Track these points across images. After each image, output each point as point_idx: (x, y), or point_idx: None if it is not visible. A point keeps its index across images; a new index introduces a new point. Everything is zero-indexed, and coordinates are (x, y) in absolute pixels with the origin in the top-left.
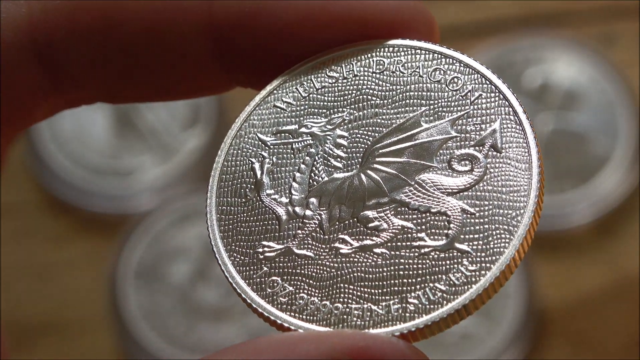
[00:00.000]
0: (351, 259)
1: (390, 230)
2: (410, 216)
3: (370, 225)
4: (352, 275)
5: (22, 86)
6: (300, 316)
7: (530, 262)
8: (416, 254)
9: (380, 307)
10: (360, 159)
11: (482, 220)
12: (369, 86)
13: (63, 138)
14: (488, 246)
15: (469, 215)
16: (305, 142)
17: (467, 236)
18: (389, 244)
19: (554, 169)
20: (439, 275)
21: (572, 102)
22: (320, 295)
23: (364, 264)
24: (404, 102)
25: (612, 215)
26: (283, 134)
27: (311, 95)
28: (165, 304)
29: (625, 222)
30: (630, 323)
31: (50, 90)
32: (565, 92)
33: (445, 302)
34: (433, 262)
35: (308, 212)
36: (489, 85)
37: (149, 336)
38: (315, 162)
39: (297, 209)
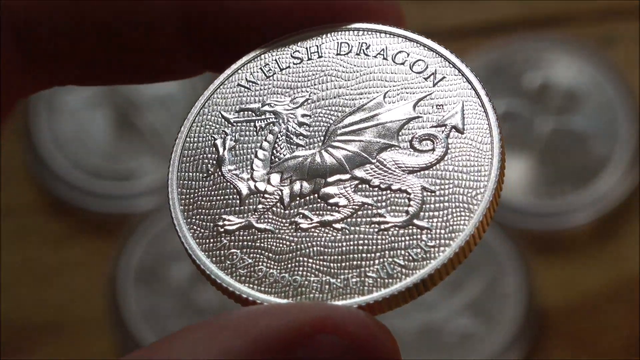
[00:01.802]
0: (311, 234)
1: (350, 206)
2: (371, 193)
3: (331, 201)
4: (311, 249)
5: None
6: (259, 288)
7: (529, 262)
8: (376, 230)
9: (338, 280)
10: (322, 137)
11: (442, 199)
12: (332, 67)
13: (63, 139)
14: (448, 223)
15: (429, 193)
16: (268, 120)
17: (427, 213)
18: (349, 220)
19: (554, 170)
20: (398, 251)
21: (572, 102)
22: (279, 267)
23: (323, 239)
24: (367, 83)
25: (612, 216)
26: (246, 112)
27: (275, 75)
28: (166, 305)
29: (626, 223)
30: (630, 323)
31: (24, 68)
32: (565, 93)
33: (403, 276)
34: (392, 238)
35: (269, 188)
36: (452, 69)
37: (149, 337)
38: (277, 140)
39: (258, 184)
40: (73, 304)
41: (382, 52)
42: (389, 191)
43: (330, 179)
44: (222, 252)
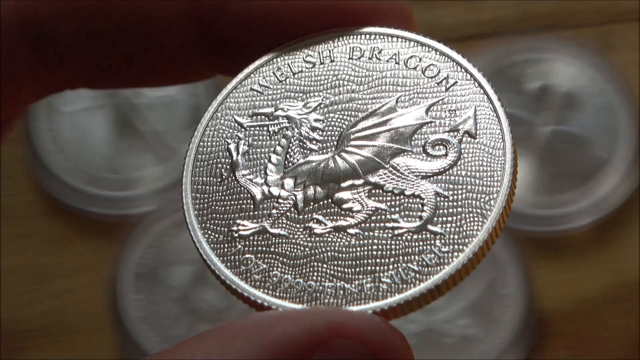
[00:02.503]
0: (325, 239)
1: (364, 212)
2: (385, 198)
3: (345, 206)
4: (325, 254)
5: (11, 64)
6: (274, 293)
7: (529, 263)
8: (390, 235)
9: (353, 285)
10: (335, 142)
11: (455, 204)
12: (345, 72)
13: (63, 140)
14: (461, 229)
15: (442, 199)
16: (281, 125)
17: (440, 219)
18: (363, 225)
19: (554, 170)
20: (412, 256)
21: (571, 103)
22: (293, 273)
23: (337, 244)
24: (379, 87)
25: (612, 217)
26: (259, 117)
27: (288, 79)
28: (166, 306)
29: (625, 223)
30: (630, 324)
31: (37, 71)
32: (565, 93)
33: (417, 282)
34: (406, 243)
35: (283, 193)
36: (465, 74)
37: (149, 338)
38: (291, 145)
39: (272, 189)
40: (73, 306)
41: (394, 57)
42: (402, 196)
43: (343, 184)
44: (237, 257)
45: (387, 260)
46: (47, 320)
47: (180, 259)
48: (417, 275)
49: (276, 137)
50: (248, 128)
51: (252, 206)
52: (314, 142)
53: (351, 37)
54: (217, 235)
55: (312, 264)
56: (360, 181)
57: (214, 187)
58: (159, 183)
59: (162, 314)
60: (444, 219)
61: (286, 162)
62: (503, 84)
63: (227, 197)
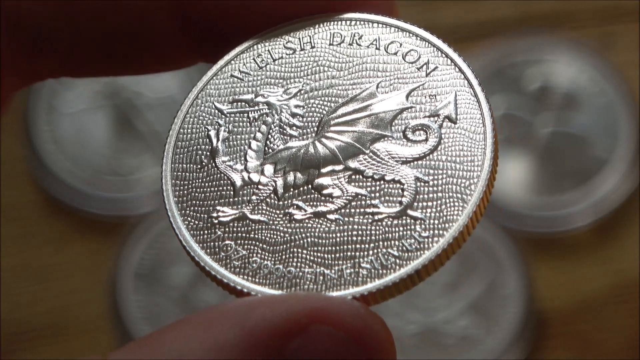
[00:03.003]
0: (305, 225)
1: (344, 197)
2: (365, 184)
3: (325, 192)
4: (305, 240)
5: None
6: (253, 279)
7: (529, 263)
8: (370, 220)
9: (333, 271)
10: (315, 128)
11: (435, 189)
12: (325, 58)
13: (63, 139)
14: (441, 214)
15: (422, 184)
16: (261, 111)
17: (420, 204)
18: (343, 210)
19: (554, 170)
20: (392, 241)
21: (571, 103)
22: (273, 259)
23: (317, 230)
24: (360, 73)
25: (612, 216)
26: (239, 103)
27: (268, 65)
28: (165, 306)
29: (625, 223)
30: (630, 324)
31: (18, 59)
32: (565, 93)
33: (397, 267)
34: (386, 229)
35: (263, 179)
36: (445, 59)
37: None
38: (271, 131)
39: (252, 175)
40: (73, 305)
41: (374, 42)
42: (382, 182)
43: (323, 170)
44: (217, 243)
45: (367, 245)
46: (47, 320)
47: (180, 259)
48: (397, 261)
49: (256, 123)
50: (228, 115)
51: (232, 192)
52: (294, 128)
53: (332, 23)
54: (196, 222)
55: (292, 250)
56: (341, 167)
57: (194, 174)
58: (158, 183)
59: (161, 314)
60: (424, 204)
61: (266, 148)
62: (503, 84)
63: (207, 184)
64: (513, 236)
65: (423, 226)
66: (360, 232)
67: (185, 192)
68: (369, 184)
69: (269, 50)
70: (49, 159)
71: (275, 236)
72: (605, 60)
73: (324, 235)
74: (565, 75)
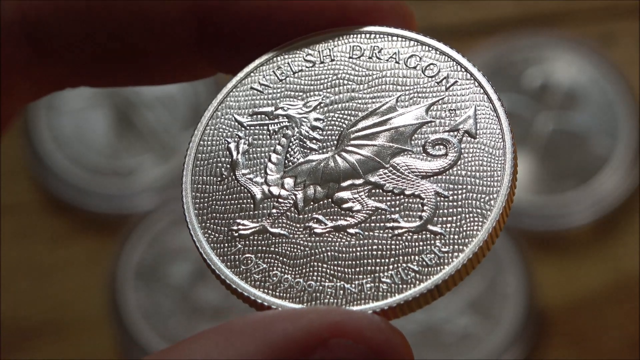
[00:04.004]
0: (325, 239)
1: (364, 211)
2: (385, 198)
3: (345, 205)
4: (325, 254)
5: (10, 61)
6: (274, 293)
7: (530, 262)
8: (390, 235)
9: (353, 285)
10: (335, 142)
11: (455, 204)
12: (345, 71)
13: (63, 138)
14: (461, 229)
15: (442, 199)
16: (281, 124)
17: (440, 219)
18: (363, 225)
19: (554, 169)
20: (412, 256)
21: (572, 102)
22: (293, 272)
23: (337, 244)
24: (380, 87)
25: (612, 215)
26: (259, 116)
27: (288, 78)
28: (165, 304)
29: (626, 222)
30: (630, 323)
31: (35, 69)
32: (565, 92)
33: (417, 282)
34: (406, 243)
35: (283, 192)
36: (465, 73)
37: (148, 336)
38: (291, 144)
39: (272, 188)
40: (73, 303)
41: (394, 56)
42: (402, 196)
43: (343, 184)
44: (237, 256)
45: (387, 260)
46: (47, 318)
47: (180, 257)
48: (417, 276)
49: (276, 136)
50: (248, 127)
51: (252, 205)
52: (314, 141)
53: (351, 36)
54: (217, 235)
55: (312, 263)
56: (360, 181)
57: (214, 187)
58: (158, 181)
59: (161, 310)
60: (444, 219)
61: (286, 161)
62: (503, 83)
63: (227, 197)
64: (513, 235)
65: (443, 241)
66: (380, 247)
67: (206, 204)
68: (388, 198)
69: (288, 63)
70: (48, 158)
71: (295, 250)
72: (605, 59)
73: (344, 249)
74: (566, 74)
